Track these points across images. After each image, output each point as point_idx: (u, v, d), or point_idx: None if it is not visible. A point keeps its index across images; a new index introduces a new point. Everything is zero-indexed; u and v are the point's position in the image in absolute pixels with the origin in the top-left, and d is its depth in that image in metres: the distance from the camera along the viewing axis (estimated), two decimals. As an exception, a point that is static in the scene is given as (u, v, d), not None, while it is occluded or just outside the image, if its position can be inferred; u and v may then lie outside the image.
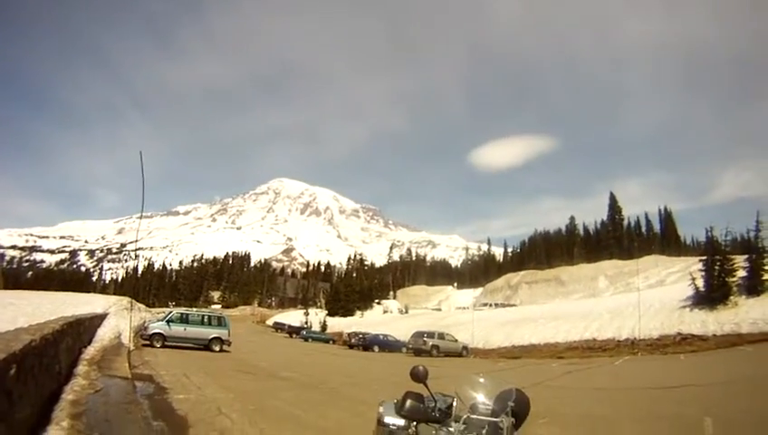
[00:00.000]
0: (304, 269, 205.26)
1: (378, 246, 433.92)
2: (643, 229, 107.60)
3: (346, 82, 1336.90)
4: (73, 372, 10.69)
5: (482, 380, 3.53)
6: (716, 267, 33.54)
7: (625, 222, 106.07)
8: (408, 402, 3.51)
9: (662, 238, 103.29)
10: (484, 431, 3.07)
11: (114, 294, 73.00)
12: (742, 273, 33.00)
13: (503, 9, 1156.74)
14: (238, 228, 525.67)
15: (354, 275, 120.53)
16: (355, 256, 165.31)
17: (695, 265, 37.94)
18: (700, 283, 34.23)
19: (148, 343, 25.28)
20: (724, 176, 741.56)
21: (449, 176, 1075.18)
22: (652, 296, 39.40)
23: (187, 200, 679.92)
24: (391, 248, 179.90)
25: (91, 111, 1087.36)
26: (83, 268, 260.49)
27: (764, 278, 31.82)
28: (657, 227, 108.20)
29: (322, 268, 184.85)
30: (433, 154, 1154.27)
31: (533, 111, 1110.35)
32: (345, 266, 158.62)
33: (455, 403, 3.48)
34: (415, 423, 3.66)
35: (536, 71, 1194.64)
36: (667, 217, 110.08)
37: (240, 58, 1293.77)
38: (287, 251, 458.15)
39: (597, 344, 35.00)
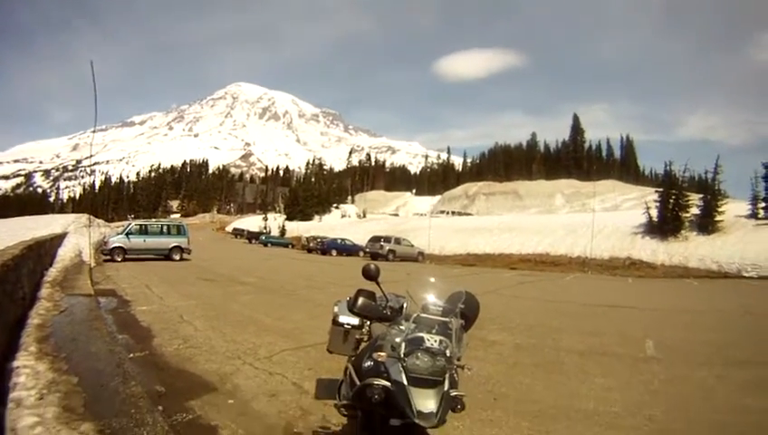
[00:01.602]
0: (263, 174, 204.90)
1: (337, 151, 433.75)
2: (603, 154, 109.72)
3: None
4: (37, 295, 10.54)
5: (433, 280, 3.43)
6: (671, 200, 34.48)
7: (586, 145, 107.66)
8: (360, 300, 3.42)
9: (621, 165, 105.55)
10: (433, 331, 2.98)
11: (73, 212, 71.54)
12: (695, 210, 33.98)
13: None
14: (195, 135, 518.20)
15: (313, 179, 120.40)
16: (314, 160, 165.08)
17: (651, 195, 38.82)
18: (654, 212, 35.18)
19: (109, 257, 24.86)
20: (691, 116, 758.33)
21: (413, 83, 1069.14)
22: (606, 219, 40.29)
23: (143, 110, 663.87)
24: (351, 153, 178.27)
25: (34, 23, 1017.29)
26: (40, 190, 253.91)
27: (717, 219, 32.70)
28: (617, 153, 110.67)
29: (281, 173, 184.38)
30: (398, 60, 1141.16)
31: (506, 25, 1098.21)
32: (304, 171, 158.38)
33: (406, 303, 3.49)
34: (368, 322, 3.72)
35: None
36: (628, 146, 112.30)
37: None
38: (245, 156, 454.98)
39: (549, 259, 35.93)
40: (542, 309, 14.58)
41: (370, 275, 3.49)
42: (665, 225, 34.05)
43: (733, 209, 33.75)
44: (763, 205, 33.24)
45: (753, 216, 33.26)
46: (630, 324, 11.70)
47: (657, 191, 37.17)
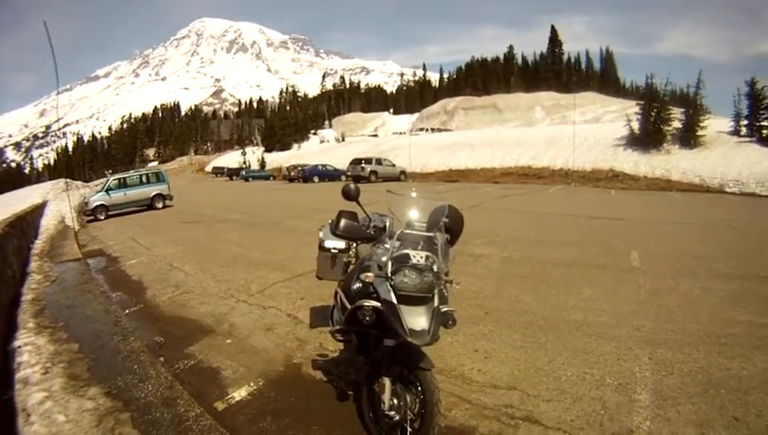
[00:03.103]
0: (237, 109, 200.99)
1: (310, 76, 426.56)
2: (583, 66, 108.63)
3: None
4: (27, 270, 10.44)
5: (414, 195, 3.48)
6: (653, 113, 34.48)
7: (565, 57, 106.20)
8: (342, 222, 3.44)
9: (601, 78, 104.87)
10: (419, 247, 3.05)
11: (50, 179, 69.78)
12: (677, 124, 33.97)
13: None
14: (163, 79, 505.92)
15: (288, 108, 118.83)
16: (287, 88, 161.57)
17: (632, 108, 38.72)
18: (636, 125, 35.29)
19: (92, 217, 24.43)
20: (673, 31, 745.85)
21: None
22: (588, 131, 40.36)
23: (106, 61, 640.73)
24: (324, 77, 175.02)
25: None
26: (14, 163, 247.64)
27: (699, 134, 32.81)
28: (597, 66, 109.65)
29: (255, 105, 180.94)
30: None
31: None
32: (278, 100, 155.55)
33: (389, 221, 3.46)
34: (355, 244, 3.88)
35: None
36: (608, 58, 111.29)
37: None
38: (217, 93, 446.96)
39: (532, 172, 36.15)
40: (526, 221, 14.73)
41: (350, 195, 3.52)
42: (647, 137, 34.22)
43: (715, 125, 33.82)
44: (745, 122, 33.35)
45: (736, 133, 33.40)
46: (615, 236, 11.83)
47: (638, 104, 37.18)
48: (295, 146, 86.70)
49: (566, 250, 10.14)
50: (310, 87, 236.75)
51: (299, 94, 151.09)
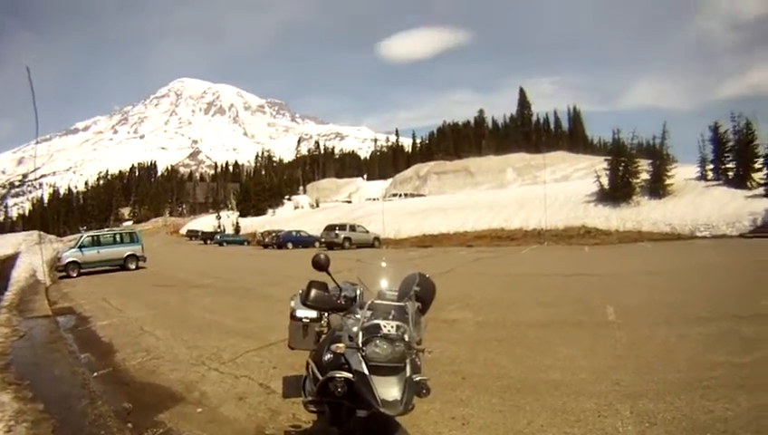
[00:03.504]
0: (213, 172, 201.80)
1: (285, 141, 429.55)
2: (551, 126, 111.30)
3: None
4: None
5: (384, 265, 3.46)
6: (621, 167, 35.28)
7: (534, 118, 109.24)
8: (313, 292, 3.36)
9: (570, 136, 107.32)
10: (390, 316, 2.96)
11: (24, 229, 69.02)
12: (645, 176, 34.84)
13: None
14: (141, 137, 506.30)
15: (263, 172, 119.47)
16: (263, 153, 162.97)
17: (600, 163, 39.52)
18: (605, 180, 35.95)
19: (64, 274, 24.10)
20: (637, 85, 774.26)
21: (358, 66, 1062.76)
22: (558, 190, 40.97)
23: (86, 115, 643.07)
24: (299, 142, 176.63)
25: None
26: None
27: (667, 183, 33.61)
28: (565, 125, 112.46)
29: (231, 169, 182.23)
30: (341, 44, 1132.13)
31: (448, 1, 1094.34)
32: (254, 165, 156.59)
33: (359, 291, 3.42)
34: (327, 314, 3.82)
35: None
36: (575, 116, 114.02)
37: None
38: (193, 155, 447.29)
39: (505, 233, 36.36)
40: (500, 284, 14.70)
41: (320, 265, 3.48)
42: (616, 192, 34.88)
43: (682, 173, 34.74)
44: (711, 166, 34.28)
45: (703, 178, 34.37)
46: (589, 292, 11.88)
47: (606, 159, 38.03)
48: (270, 211, 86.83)
49: (541, 310, 10.11)
50: (285, 152, 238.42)
51: (274, 159, 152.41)
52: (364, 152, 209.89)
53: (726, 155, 34.04)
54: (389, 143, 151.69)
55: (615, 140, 38.87)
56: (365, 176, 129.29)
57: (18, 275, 20.38)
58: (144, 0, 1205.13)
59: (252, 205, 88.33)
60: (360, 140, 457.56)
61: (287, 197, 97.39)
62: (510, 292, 12.74)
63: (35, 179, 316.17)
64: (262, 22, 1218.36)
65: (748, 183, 32.44)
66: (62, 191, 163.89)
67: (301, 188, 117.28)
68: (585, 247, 28.55)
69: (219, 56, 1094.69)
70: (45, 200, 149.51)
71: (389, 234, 42.63)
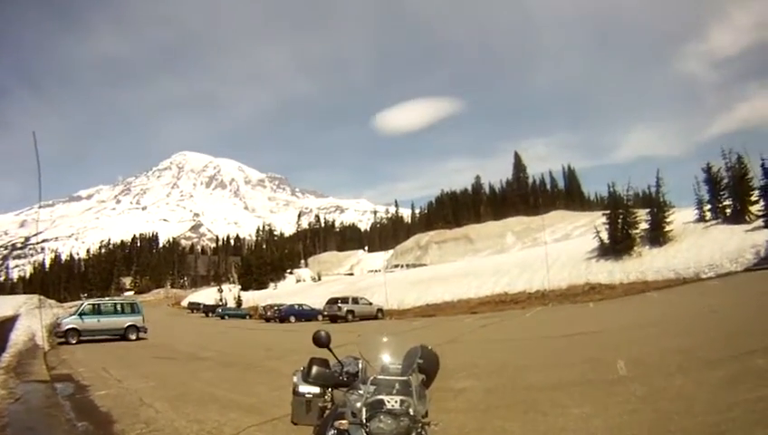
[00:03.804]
0: (214, 245, 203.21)
1: (286, 215, 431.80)
2: (548, 186, 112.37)
3: (247, 48, 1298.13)
4: None
5: (386, 340, 3.40)
6: (620, 220, 35.27)
7: (530, 180, 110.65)
8: (314, 369, 3.28)
9: (567, 195, 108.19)
10: (393, 391, 2.88)
11: (24, 292, 69.07)
12: (644, 225, 34.78)
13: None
14: (143, 208, 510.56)
15: (264, 246, 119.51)
16: (264, 226, 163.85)
17: (599, 219, 39.54)
18: (605, 235, 35.84)
19: (63, 340, 23.97)
20: (628, 136, 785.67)
21: (356, 140, 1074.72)
22: (559, 249, 40.90)
23: (89, 183, 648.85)
24: (299, 216, 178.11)
25: None
26: None
27: (666, 230, 33.55)
28: (561, 184, 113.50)
29: (232, 242, 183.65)
30: (339, 118, 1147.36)
31: (439, 73, 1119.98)
32: (255, 238, 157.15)
33: (361, 365, 3.35)
34: (330, 389, 3.62)
35: (443, 33, 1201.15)
36: (570, 175, 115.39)
37: (135, 27, 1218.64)
38: (195, 227, 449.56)
39: (508, 298, 35.96)
40: (506, 349, 14.53)
41: (321, 342, 3.44)
42: (617, 245, 34.74)
43: (681, 217, 34.76)
44: (708, 207, 34.31)
45: (701, 219, 34.36)
46: (598, 349, 11.67)
47: (604, 214, 37.97)
48: (272, 285, 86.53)
49: (551, 372, 9.89)
50: (286, 226, 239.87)
51: (275, 233, 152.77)
52: (364, 224, 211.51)
53: (722, 193, 34.21)
54: (389, 215, 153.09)
55: (611, 194, 39.05)
56: (366, 248, 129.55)
57: (17, 337, 20.52)
58: (147, 73, 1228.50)
59: (253, 278, 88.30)
60: (360, 212, 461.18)
61: (289, 270, 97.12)
62: (517, 356, 12.56)
63: (38, 243, 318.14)
64: (261, 97, 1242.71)
65: (747, 217, 32.55)
66: (63, 257, 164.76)
67: (302, 261, 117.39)
68: (590, 304, 28.28)
69: (220, 130, 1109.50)
70: (47, 265, 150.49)
71: (393, 305, 42.30)
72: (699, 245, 31.24)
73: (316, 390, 3.78)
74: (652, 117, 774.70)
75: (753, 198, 32.83)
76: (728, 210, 33.55)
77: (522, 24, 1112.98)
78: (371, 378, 3.01)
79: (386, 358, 3.23)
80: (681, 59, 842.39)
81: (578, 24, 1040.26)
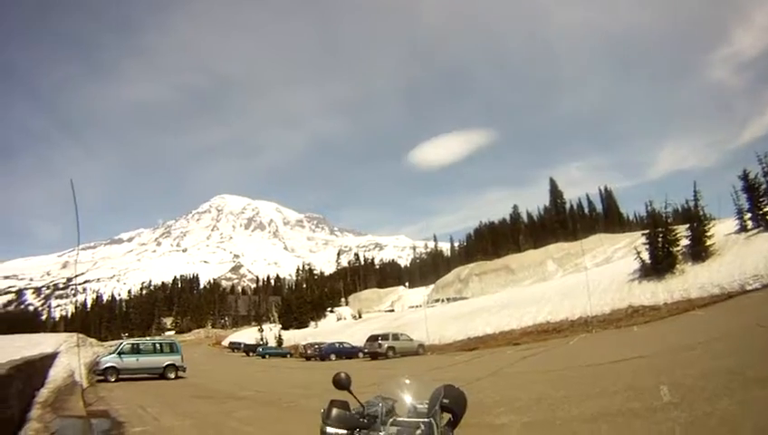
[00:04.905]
0: (254, 285, 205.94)
1: (325, 254, 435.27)
2: (585, 210, 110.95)
3: (280, 92, 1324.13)
4: (27, 416, 10.33)
5: (408, 381, 3.31)
6: (660, 239, 34.28)
7: (567, 205, 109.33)
8: (334, 411, 3.08)
9: (605, 217, 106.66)
10: (418, 432, 2.82)
11: (65, 330, 70.85)
12: (685, 241, 33.77)
13: (433, 9, 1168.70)
14: (184, 250, 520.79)
15: (304, 285, 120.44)
16: (303, 266, 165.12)
17: (639, 239, 38.62)
18: (645, 255, 34.92)
19: (102, 378, 24.40)
20: (661, 152, 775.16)
21: (392, 177, 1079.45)
22: (601, 274, 40.12)
23: (130, 226, 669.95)
24: (339, 255, 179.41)
25: (14, 137, 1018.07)
26: (31, 307, 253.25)
27: (708, 244, 32.51)
28: (599, 206, 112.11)
29: (272, 282, 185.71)
30: (374, 156, 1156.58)
31: (470, 105, 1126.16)
32: (295, 278, 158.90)
33: (381, 407, 3.17)
34: (357, 430, 3.31)
35: (470, 67, 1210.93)
36: (608, 197, 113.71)
37: (170, 74, 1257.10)
38: (235, 268, 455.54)
39: (551, 327, 35.19)
40: (547, 380, 14.15)
41: (341, 384, 3.29)
42: (658, 264, 33.77)
43: (722, 229, 33.68)
44: (749, 216, 33.23)
45: (743, 229, 33.17)
46: (641, 375, 11.32)
47: (643, 234, 37.07)
48: (312, 324, 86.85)
49: (592, 403, 9.59)
50: (325, 264, 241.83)
51: (315, 272, 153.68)
52: (404, 260, 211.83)
53: (762, 199, 32.96)
54: (428, 249, 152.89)
55: (649, 212, 38.24)
56: (407, 284, 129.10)
57: (56, 373, 21.00)
58: (184, 121, 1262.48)
59: (294, 317, 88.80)
60: (399, 248, 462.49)
61: (329, 309, 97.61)
62: (558, 387, 12.15)
63: (79, 284, 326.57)
64: (296, 139, 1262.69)
65: None
66: (105, 297, 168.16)
67: (343, 299, 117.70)
68: (634, 328, 27.46)
69: (257, 173, 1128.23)
70: (88, 305, 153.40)
71: (434, 340, 41.67)
72: (742, 256, 30.07)
73: (343, 432, 3.41)
74: (683, 130, 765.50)
75: (795, 200, 31.74)
76: (769, 216, 32.38)
77: (543, 54, 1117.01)
78: (391, 420, 2.97)
79: (408, 399, 3.17)
80: (705, 67, 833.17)
81: (599, 47, 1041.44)
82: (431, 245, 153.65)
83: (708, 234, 33.01)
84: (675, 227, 35.24)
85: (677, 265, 33.09)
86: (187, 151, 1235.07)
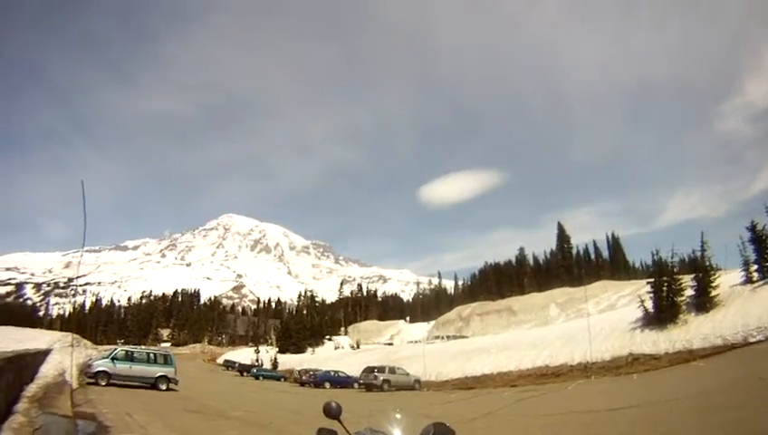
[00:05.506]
0: (255, 306, 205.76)
1: (328, 282, 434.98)
2: (592, 256, 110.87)
3: (297, 117, 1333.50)
4: (13, 409, 10.35)
5: (399, 416, 3.34)
6: (664, 288, 34.09)
7: (574, 250, 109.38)
8: None
9: (611, 264, 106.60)
10: None
11: (61, 329, 70.75)
12: (690, 291, 33.56)
13: (448, 44, 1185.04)
14: (188, 265, 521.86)
15: (305, 311, 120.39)
16: (306, 292, 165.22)
17: (643, 287, 38.46)
18: (649, 304, 34.71)
19: (92, 380, 24.41)
20: (670, 200, 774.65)
21: (400, 211, 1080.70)
22: (603, 320, 39.92)
23: (136, 235, 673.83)
24: (342, 284, 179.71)
25: (32, 135, 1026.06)
26: (30, 302, 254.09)
27: (712, 295, 32.31)
28: (605, 253, 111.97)
29: (273, 305, 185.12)
30: (384, 189, 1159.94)
31: (483, 145, 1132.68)
32: (296, 303, 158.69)
33: None
34: None
35: (485, 107, 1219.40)
36: (614, 243, 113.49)
37: (190, 89, 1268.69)
38: (237, 288, 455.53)
39: (550, 371, 34.90)
40: (541, 425, 14.12)
41: (331, 413, 3.44)
42: (661, 313, 33.54)
43: (727, 280, 33.46)
44: (755, 267, 33.05)
45: (748, 281, 32.94)
46: (637, 424, 11.23)
47: (648, 282, 36.94)
48: (309, 350, 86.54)
49: None
50: (328, 293, 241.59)
51: (317, 299, 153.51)
52: (407, 295, 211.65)
53: None
54: (432, 286, 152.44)
55: (655, 261, 38.08)
56: (407, 318, 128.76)
57: (47, 370, 21.14)
58: (200, 137, 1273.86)
59: (292, 342, 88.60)
60: (403, 282, 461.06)
61: (328, 337, 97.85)
62: (551, 432, 12.36)
63: (80, 285, 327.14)
64: (308, 166, 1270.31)
65: None
66: (104, 302, 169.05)
67: (342, 328, 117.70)
68: (634, 376, 27.20)
69: (267, 195, 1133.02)
70: (87, 307, 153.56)
71: (431, 376, 41.40)
72: (747, 307, 29.81)
73: None
74: (693, 179, 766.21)
75: (802, 254, 31.54)
76: (775, 269, 32.16)
77: (554, 95, 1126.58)
78: None
79: (397, 434, 3.18)
80: (717, 117, 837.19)
81: (610, 91, 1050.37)
82: (435, 281, 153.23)
83: (713, 284, 32.85)
84: (680, 276, 35.08)
85: (681, 315, 32.88)
86: (199, 167, 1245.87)
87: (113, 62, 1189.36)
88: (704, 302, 32.36)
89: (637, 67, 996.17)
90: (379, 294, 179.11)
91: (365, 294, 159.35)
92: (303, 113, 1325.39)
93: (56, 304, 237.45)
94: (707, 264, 35.19)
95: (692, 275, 34.27)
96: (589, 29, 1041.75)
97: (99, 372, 24.81)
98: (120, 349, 28.43)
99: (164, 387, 26.26)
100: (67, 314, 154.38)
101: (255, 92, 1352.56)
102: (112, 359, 25.89)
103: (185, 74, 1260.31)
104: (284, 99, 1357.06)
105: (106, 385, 24.01)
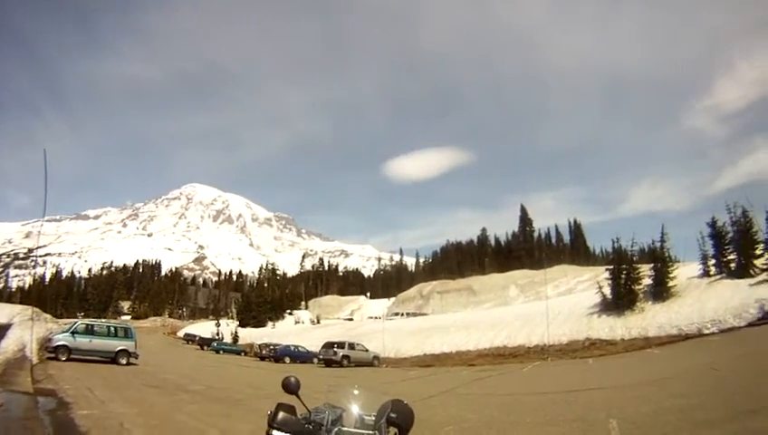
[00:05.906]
0: (216, 278, 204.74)
1: (290, 256, 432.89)
2: (553, 240, 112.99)
3: (268, 86, 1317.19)
4: None
5: (357, 392, 3.38)
6: (623, 275, 34.80)
7: (536, 234, 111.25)
8: (280, 414, 3.21)
9: (571, 249, 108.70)
10: None
11: (21, 303, 69.07)
12: (648, 280, 34.30)
13: (431, 24, 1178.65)
14: (149, 235, 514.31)
15: (266, 285, 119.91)
16: (267, 265, 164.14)
17: (603, 274, 39.08)
18: (607, 290, 35.41)
19: (53, 355, 23.90)
20: (636, 190, 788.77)
21: (365, 186, 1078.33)
22: (561, 304, 40.56)
23: (98, 203, 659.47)
24: (304, 258, 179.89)
25: None
26: None
27: (670, 285, 33.07)
28: (567, 238, 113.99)
29: (234, 278, 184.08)
30: (350, 164, 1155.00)
31: (454, 124, 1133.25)
32: (257, 276, 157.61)
33: (328, 416, 3.28)
34: None
35: (458, 86, 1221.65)
36: (576, 229, 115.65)
37: (162, 55, 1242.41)
38: (199, 259, 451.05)
39: (507, 351, 35.37)
40: (498, 404, 14.23)
41: (290, 388, 3.40)
42: (619, 300, 34.29)
43: (685, 272, 34.40)
44: (713, 262, 33.92)
45: (706, 274, 33.89)
46: (592, 407, 11.37)
47: (607, 269, 37.68)
48: (270, 324, 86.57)
49: (541, 430, 9.67)
50: (289, 266, 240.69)
51: (278, 272, 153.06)
52: (368, 271, 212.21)
53: (726, 247, 33.79)
54: (393, 262, 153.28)
55: (615, 249, 38.84)
56: (368, 294, 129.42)
57: (6, 346, 20.97)
58: (168, 105, 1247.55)
59: (252, 316, 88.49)
60: (365, 258, 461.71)
61: (288, 311, 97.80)
62: (508, 412, 12.29)
63: (40, 256, 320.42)
64: (274, 137, 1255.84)
65: (751, 271, 31.88)
66: (64, 273, 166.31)
67: (303, 303, 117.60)
68: (589, 360, 27.69)
69: (232, 166, 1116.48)
70: (47, 279, 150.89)
71: (390, 353, 41.74)
72: (703, 300, 30.72)
73: None
74: (659, 172, 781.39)
75: (758, 252, 32.44)
76: (732, 264, 33.14)
77: (532, 81, 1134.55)
78: (336, 429, 3.05)
79: (356, 410, 3.22)
80: (687, 114, 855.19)
81: (586, 81, 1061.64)
82: (396, 258, 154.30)
83: (671, 275, 33.63)
84: (639, 265, 35.79)
85: (638, 303, 33.61)
86: (166, 135, 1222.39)
87: (89, 26, 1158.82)
88: (661, 291, 33.17)
89: (615, 58, 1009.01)
90: (341, 268, 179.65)
91: (326, 268, 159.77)
92: (278, 86, 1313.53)
93: (16, 275, 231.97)
94: (666, 255, 36.06)
95: (651, 265, 35.03)
96: (571, 17, 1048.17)
97: (59, 346, 24.33)
98: (81, 322, 27.89)
99: (124, 361, 25.94)
100: (27, 286, 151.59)
101: (230, 62, 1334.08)
102: (72, 333, 25.44)
103: (162, 42, 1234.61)
104: (259, 70, 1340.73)
105: (66, 360, 23.62)
